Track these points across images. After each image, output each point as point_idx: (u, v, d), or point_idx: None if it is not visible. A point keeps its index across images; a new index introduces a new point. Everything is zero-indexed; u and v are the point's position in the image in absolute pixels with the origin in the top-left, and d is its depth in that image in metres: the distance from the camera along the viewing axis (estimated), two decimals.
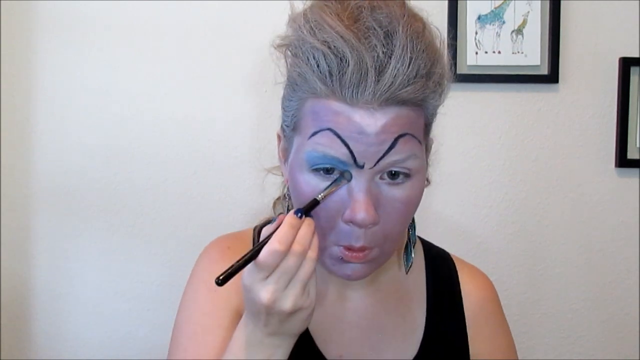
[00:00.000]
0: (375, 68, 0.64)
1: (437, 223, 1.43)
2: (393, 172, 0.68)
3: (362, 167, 0.66)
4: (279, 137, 0.78)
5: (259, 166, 0.88)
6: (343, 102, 0.66)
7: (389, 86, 0.64)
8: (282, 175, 0.81)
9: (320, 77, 0.66)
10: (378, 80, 0.64)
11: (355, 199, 0.67)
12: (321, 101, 0.67)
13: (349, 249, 0.69)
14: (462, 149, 1.44)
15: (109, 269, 1.43)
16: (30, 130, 1.41)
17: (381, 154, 0.66)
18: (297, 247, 0.63)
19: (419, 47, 0.66)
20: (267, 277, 0.63)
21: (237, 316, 0.76)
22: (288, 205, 0.77)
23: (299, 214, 0.64)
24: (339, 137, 0.66)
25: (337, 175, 0.68)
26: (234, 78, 1.41)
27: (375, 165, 0.66)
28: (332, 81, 0.65)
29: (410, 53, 0.65)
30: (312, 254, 0.64)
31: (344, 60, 0.64)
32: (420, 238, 0.89)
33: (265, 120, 1.41)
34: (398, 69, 0.64)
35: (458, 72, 1.39)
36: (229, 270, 0.62)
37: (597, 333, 1.48)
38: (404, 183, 0.69)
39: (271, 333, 0.66)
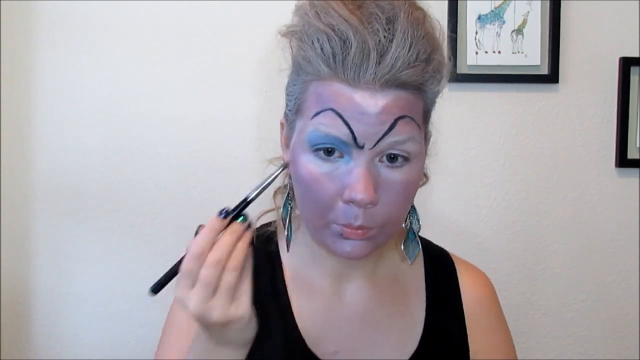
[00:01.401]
0: (377, 50, 0.66)
1: (437, 223, 1.43)
2: (392, 155, 0.69)
3: (362, 147, 0.68)
4: (282, 124, 0.79)
5: (260, 163, 0.88)
6: (345, 84, 0.67)
7: (390, 68, 0.66)
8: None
9: (323, 59, 0.68)
10: (379, 62, 0.66)
11: (355, 178, 0.68)
12: (324, 83, 0.69)
13: (348, 226, 0.70)
14: (462, 149, 1.44)
15: (109, 269, 1.43)
16: (30, 130, 1.41)
17: (381, 135, 0.67)
18: (213, 255, 0.63)
19: (419, 33, 0.68)
20: (193, 286, 0.64)
21: None
22: (288, 194, 0.77)
23: (222, 215, 0.64)
24: (340, 117, 0.67)
25: (338, 158, 0.69)
26: (234, 78, 1.41)
27: (375, 145, 0.68)
28: (335, 63, 0.67)
29: (411, 38, 0.66)
30: (233, 262, 0.64)
31: (347, 43, 0.66)
32: (418, 236, 0.89)
33: (265, 120, 1.41)
34: (399, 52, 0.66)
35: (458, 72, 1.38)
36: (159, 280, 0.62)
37: (597, 333, 1.48)
38: (402, 167, 0.70)
39: (217, 342, 0.67)
